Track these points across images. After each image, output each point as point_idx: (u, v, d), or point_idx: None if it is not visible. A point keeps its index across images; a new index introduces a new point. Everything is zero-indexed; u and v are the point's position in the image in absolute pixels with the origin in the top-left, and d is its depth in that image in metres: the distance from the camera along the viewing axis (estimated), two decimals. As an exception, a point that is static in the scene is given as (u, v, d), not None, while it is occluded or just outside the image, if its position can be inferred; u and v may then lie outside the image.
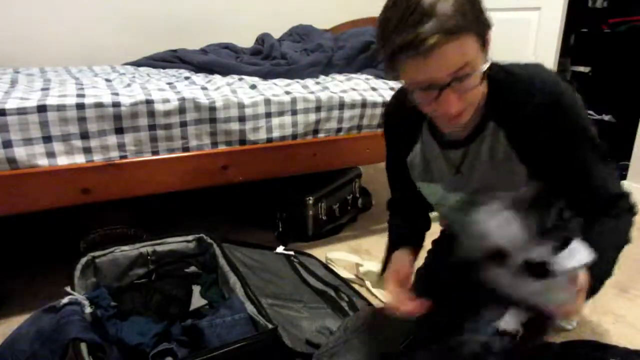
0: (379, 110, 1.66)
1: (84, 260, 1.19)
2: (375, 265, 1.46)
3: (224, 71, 1.75)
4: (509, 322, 0.89)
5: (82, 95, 1.24)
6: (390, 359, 0.86)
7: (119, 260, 1.26)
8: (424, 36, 0.65)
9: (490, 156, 0.86)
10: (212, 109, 1.38)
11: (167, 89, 1.39)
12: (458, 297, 1.01)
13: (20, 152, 1.16)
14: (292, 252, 1.51)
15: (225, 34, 2.36)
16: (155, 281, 1.28)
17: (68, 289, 1.04)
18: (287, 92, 1.52)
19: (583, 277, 0.72)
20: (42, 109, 1.16)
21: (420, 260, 1.26)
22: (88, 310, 1.00)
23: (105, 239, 1.49)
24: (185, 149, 1.38)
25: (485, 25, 0.73)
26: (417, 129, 0.97)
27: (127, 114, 1.26)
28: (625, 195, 0.85)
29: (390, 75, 0.78)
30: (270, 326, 0.96)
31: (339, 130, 1.62)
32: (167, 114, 1.32)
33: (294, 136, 1.54)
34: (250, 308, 1.05)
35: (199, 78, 1.64)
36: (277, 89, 1.54)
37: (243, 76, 1.67)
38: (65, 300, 0.98)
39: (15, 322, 1.18)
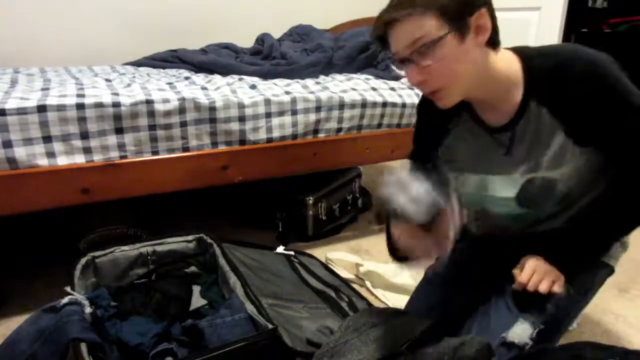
0: (379, 110, 1.66)
1: (84, 260, 1.19)
2: (375, 265, 1.46)
3: (224, 71, 1.75)
4: (518, 334, 0.89)
5: (82, 95, 1.24)
6: (391, 359, 0.86)
7: (119, 260, 1.26)
8: (385, 18, 0.80)
9: (537, 130, 0.87)
10: (212, 109, 1.38)
11: (167, 89, 1.39)
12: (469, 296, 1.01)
13: (20, 152, 1.16)
14: (292, 252, 1.52)
15: (225, 34, 2.36)
16: (155, 281, 1.28)
17: (68, 289, 1.04)
18: (287, 92, 1.52)
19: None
20: (42, 109, 1.16)
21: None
22: (88, 310, 1.00)
23: (105, 239, 1.49)
24: (185, 149, 1.38)
25: (468, 6, 0.78)
26: (452, 117, 0.97)
27: (127, 114, 1.26)
28: None
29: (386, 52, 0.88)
30: (270, 326, 0.96)
31: (339, 130, 1.62)
32: (167, 114, 1.32)
33: (294, 136, 1.54)
34: (250, 308, 1.05)
35: (199, 78, 1.64)
36: (277, 89, 1.54)
37: (243, 76, 1.67)
38: (65, 300, 0.98)
39: (15, 322, 1.18)
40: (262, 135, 1.48)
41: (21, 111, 1.14)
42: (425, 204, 0.80)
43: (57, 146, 1.20)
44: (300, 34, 2.20)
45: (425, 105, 1.03)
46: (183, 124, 1.35)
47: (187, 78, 1.62)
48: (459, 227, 0.79)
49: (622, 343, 1.17)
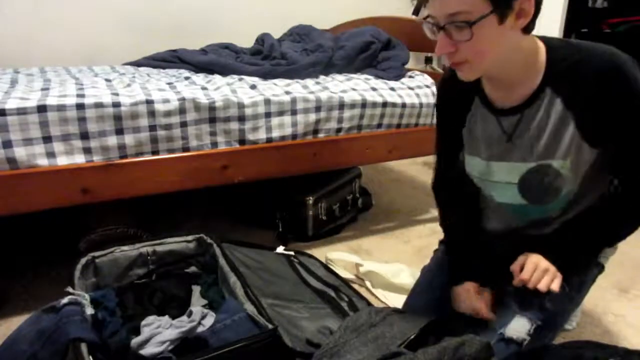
0: (378, 110, 1.66)
1: (84, 260, 1.19)
2: (375, 265, 1.46)
3: (224, 71, 1.75)
4: (516, 330, 0.89)
5: (82, 96, 1.24)
6: (390, 358, 0.86)
7: (119, 260, 1.26)
8: None
9: (546, 118, 0.87)
10: (212, 109, 1.38)
11: (167, 89, 1.39)
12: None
13: (20, 152, 1.16)
14: (292, 252, 1.52)
15: (225, 34, 2.36)
16: (155, 281, 1.28)
17: (69, 289, 1.04)
18: (287, 92, 1.52)
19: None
20: (42, 109, 1.16)
21: (427, 259, 1.26)
22: (89, 311, 1.00)
23: (105, 239, 1.49)
24: (186, 149, 1.38)
25: None
26: (470, 99, 0.99)
27: (127, 114, 1.26)
28: None
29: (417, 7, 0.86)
30: (270, 326, 0.96)
31: (339, 130, 1.62)
32: (167, 114, 1.32)
33: (294, 136, 1.54)
34: (251, 308, 1.05)
35: (199, 78, 1.64)
36: (277, 89, 1.54)
37: (243, 76, 1.67)
38: (66, 300, 0.98)
39: (15, 322, 1.18)
40: (262, 135, 1.48)
41: (21, 111, 1.14)
42: None
43: (57, 146, 1.20)
44: (300, 34, 2.20)
45: (446, 86, 1.05)
46: (183, 124, 1.35)
47: (187, 78, 1.62)
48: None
49: (622, 343, 1.17)
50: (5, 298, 1.37)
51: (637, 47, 2.59)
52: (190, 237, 1.36)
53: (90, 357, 0.85)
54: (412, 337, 0.89)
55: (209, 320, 1.07)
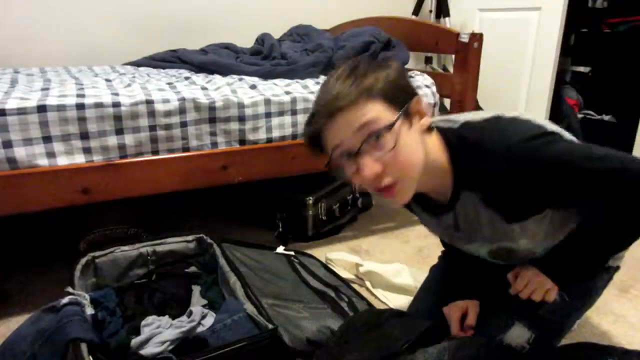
0: (379, 110, 1.66)
1: (84, 260, 1.19)
2: (375, 265, 1.46)
3: (224, 71, 1.75)
4: (514, 338, 0.89)
5: (82, 96, 1.24)
6: (391, 359, 0.86)
7: (119, 260, 1.26)
8: (326, 109, 0.75)
9: (476, 217, 0.87)
10: (212, 109, 1.38)
11: (167, 89, 1.39)
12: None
13: (20, 152, 1.16)
14: (292, 252, 1.52)
15: (225, 34, 2.36)
16: (155, 281, 1.28)
17: (69, 289, 1.04)
18: (287, 92, 1.52)
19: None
20: (42, 109, 1.16)
21: (434, 259, 1.26)
22: (89, 311, 1.00)
23: (105, 239, 1.49)
24: (186, 149, 1.38)
25: (407, 92, 0.76)
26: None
27: (127, 114, 1.26)
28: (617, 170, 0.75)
29: (324, 159, 0.82)
30: (270, 326, 0.96)
31: (339, 130, 1.61)
32: (168, 114, 1.32)
33: (294, 136, 1.54)
34: (251, 308, 1.05)
35: (199, 78, 1.64)
36: (277, 89, 1.54)
37: (243, 76, 1.67)
38: (66, 300, 0.98)
39: (15, 322, 1.18)
40: (262, 135, 1.48)
41: (21, 111, 1.14)
42: None
43: (57, 146, 1.20)
44: (300, 34, 2.20)
45: None
46: (183, 124, 1.35)
47: (187, 78, 1.62)
48: None
49: (622, 343, 1.17)
50: (5, 298, 1.37)
51: (637, 47, 2.60)
52: (190, 237, 1.36)
53: (90, 357, 0.85)
54: (413, 339, 0.89)
55: (209, 320, 1.08)
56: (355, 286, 1.40)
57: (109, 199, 1.29)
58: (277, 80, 1.65)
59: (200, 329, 1.05)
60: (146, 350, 0.97)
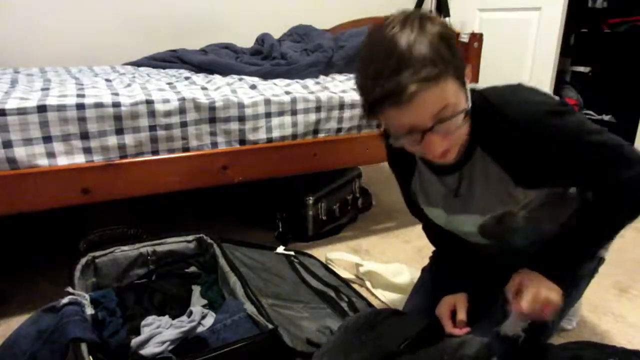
0: (379, 110, 1.66)
1: (84, 260, 1.19)
2: (375, 265, 1.46)
3: (224, 71, 1.75)
4: (510, 327, 0.89)
5: (82, 96, 1.24)
6: (390, 359, 0.86)
7: (119, 260, 1.26)
8: (403, 86, 0.67)
9: (485, 177, 0.87)
10: (212, 109, 1.38)
11: (167, 89, 1.39)
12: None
13: (20, 152, 1.16)
14: (292, 252, 1.51)
15: (225, 34, 2.36)
16: (155, 281, 1.28)
17: (69, 289, 1.04)
18: (287, 92, 1.52)
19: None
20: (42, 109, 1.16)
21: (425, 260, 1.26)
22: (89, 311, 1.00)
23: (105, 239, 1.49)
24: (186, 149, 1.38)
25: (461, 65, 0.75)
26: (413, 159, 0.99)
27: (127, 114, 1.26)
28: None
29: (373, 121, 0.82)
30: (270, 326, 0.96)
31: (339, 130, 1.62)
32: (168, 114, 1.32)
33: (294, 136, 1.54)
34: (251, 308, 1.05)
35: (199, 78, 1.64)
36: (277, 89, 1.54)
37: (243, 76, 1.67)
38: (66, 300, 0.98)
39: (15, 322, 1.18)
40: (262, 135, 1.48)
41: (21, 111, 1.14)
42: None
43: (57, 146, 1.20)
44: (300, 34, 2.20)
45: (389, 148, 1.04)
46: (183, 124, 1.35)
47: (187, 78, 1.62)
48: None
49: (622, 343, 1.17)
50: (5, 298, 1.37)
51: (637, 47, 2.60)
52: (190, 237, 1.36)
53: (90, 357, 0.85)
54: (412, 338, 0.89)
55: (209, 320, 1.08)
56: (355, 286, 1.40)
57: (109, 199, 1.29)
58: (277, 80, 1.65)
59: (200, 329, 1.05)
60: (146, 350, 0.97)
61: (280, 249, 1.51)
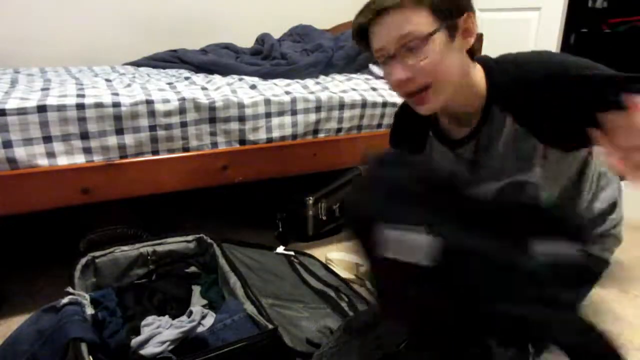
0: (379, 110, 1.66)
1: (84, 260, 1.19)
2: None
3: (224, 71, 1.75)
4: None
5: (82, 96, 1.24)
6: (390, 359, 0.86)
7: (119, 260, 1.26)
8: (380, 2, 0.77)
9: (504, 138, 0.86)
10: (212, 109, 1.38)
11: (167, 89, 1.39)
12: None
13: (20, 152, 1.16)
14: (292, 252, 1.52)
15: (225, 34, 2.36)
16: (155, 281, 1.28)
17: (69, 289, 1.04)
18: (287, 92, 1.52)
19: None
20: (42, 109, 1.16)
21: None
22: (89, 311, 1.00)
23: (105, 239, 1.49)
24: (186, 149, 1.38)
25: (459, 7, 0.77)
26: (424, 136, 0.99)
27: (127, 114, 1.26)
28: None
29: (364, 49, 0.87)
30: (270, 326, 0.96)
31: (339, 130, 1.62)
32: (168, 114, 1.32)
33: (294, 136, 1.54)
34: (251, 308, 1.05)
35: (199, 78, 1.64)
36: (277, 89, 1.54)
37: (243, 76, 1.67)
38: (66, 300, 0.98)
39: (15, 322, 1.18)
40: (262, 135, 1.48)
41: (21, 111, 1.14)
42: None
43: (57, 146, 1.20)
44: (300, 34, 2.20)
45: (399, 121, 1.05)
46: (183, 124, 1.35)
47: (187, 78, 1.62)
48: None
49: (622, 343, 1.17)
50: (5, 298, 1.37)
51: (637, 47, 2.59)
52: (190, 237, 1.36)
53: (90, 357, 0.85)
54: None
55: (209, 320, 1.08)
56: (355, 286, 1.40)
57: (109, 199, 1.29)
58: (277, 80, 1.65)
59: (200, 329, 1.05)
60: (146, 350, 0.97)
61: (280, 249, 1.51)
